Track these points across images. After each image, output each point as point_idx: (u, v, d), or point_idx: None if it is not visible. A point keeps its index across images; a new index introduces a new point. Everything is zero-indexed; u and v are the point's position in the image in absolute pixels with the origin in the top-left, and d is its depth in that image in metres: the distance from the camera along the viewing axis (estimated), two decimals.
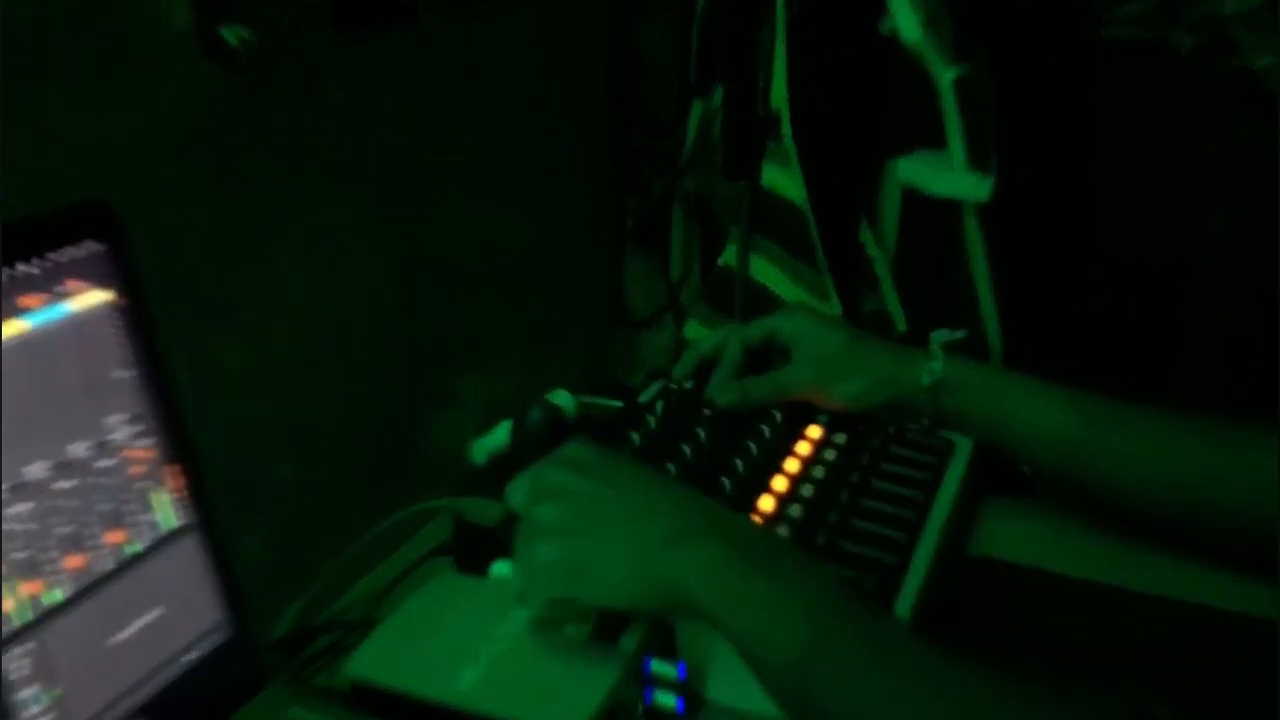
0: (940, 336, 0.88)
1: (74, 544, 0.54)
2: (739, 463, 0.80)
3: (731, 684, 0.67)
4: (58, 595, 0.53)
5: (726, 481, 0.77)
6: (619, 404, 0.89)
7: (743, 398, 0.87)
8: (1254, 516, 0.73)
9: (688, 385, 0.92)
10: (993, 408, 0.84)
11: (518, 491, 0.68)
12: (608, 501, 0.62)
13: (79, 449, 0.54)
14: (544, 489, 0.64)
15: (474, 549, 0.74)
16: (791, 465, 0.81)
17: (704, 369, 0.91)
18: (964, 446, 0.86)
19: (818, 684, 0.56)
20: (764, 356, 0.90)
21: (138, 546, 0.57)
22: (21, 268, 0.52)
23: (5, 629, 0.50)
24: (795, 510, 0.76)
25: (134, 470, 0.57)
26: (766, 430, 0.84)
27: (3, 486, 0.50)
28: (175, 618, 0.58)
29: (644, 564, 0.59)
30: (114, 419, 0.56)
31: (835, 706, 0.55)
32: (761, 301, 1.09)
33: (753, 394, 0.87)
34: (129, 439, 0.57)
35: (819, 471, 0.81)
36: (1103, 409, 0.81)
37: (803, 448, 0.84)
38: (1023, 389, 0.84)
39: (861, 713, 0.55)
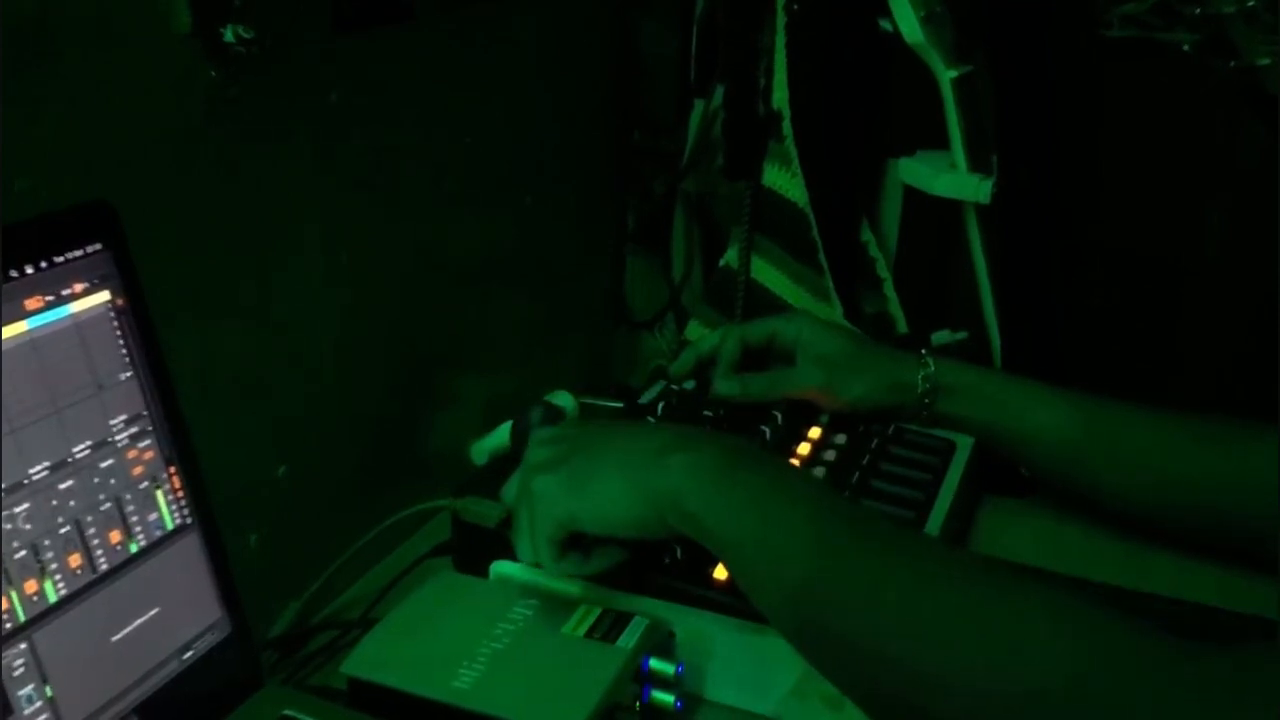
0: (942, 338, 0.88)
1: (73, 543, 0.54)
2: None
3: (730, 682, 0.68)
4: (57, 594, 0.53)
5: None
6: (619, 404, 0.89)
7: (742, 390, 0.87)
8: (1254, 516, 0.73)
9: (688, 386, 0.92)
10: (989, 411, 0.85)
11: (513, 490, 0.68)
12: (600, 433, 0.66)
13: (79, 449, 0.54)
14: (537, 441, 0.67)
15: (473, 549, 0.74)
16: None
17: (702, 370, 0.91)
18: (964, 446, 0.86)
19: (819, 580, 0.55)
20: (760, 358, 0.90)
21: (137, 546, 0.57)
22: (22, 270, 0.52)
23: (4, 627, 0.50)
24: None
25: (134, 470, 0.57)
26: (767, 432, 0.84)
27: (3, 486, 0.51)
28: (173, 617, 0.58)
29: (638, 472, 0.61)
30: (114, 419, 0.56)
31: (840, 598, 0.54)
32: (762, 302, 1.09)
33: (752, 388, 0.87)
34: (129, 439, 0.57)
35: (819, 472, 0.81)
36: (1101, 411, 0.81)
37: (803, 449, 0.84)
38: (1019, 391, 0.84)
39: (871, 601, 0.53)
